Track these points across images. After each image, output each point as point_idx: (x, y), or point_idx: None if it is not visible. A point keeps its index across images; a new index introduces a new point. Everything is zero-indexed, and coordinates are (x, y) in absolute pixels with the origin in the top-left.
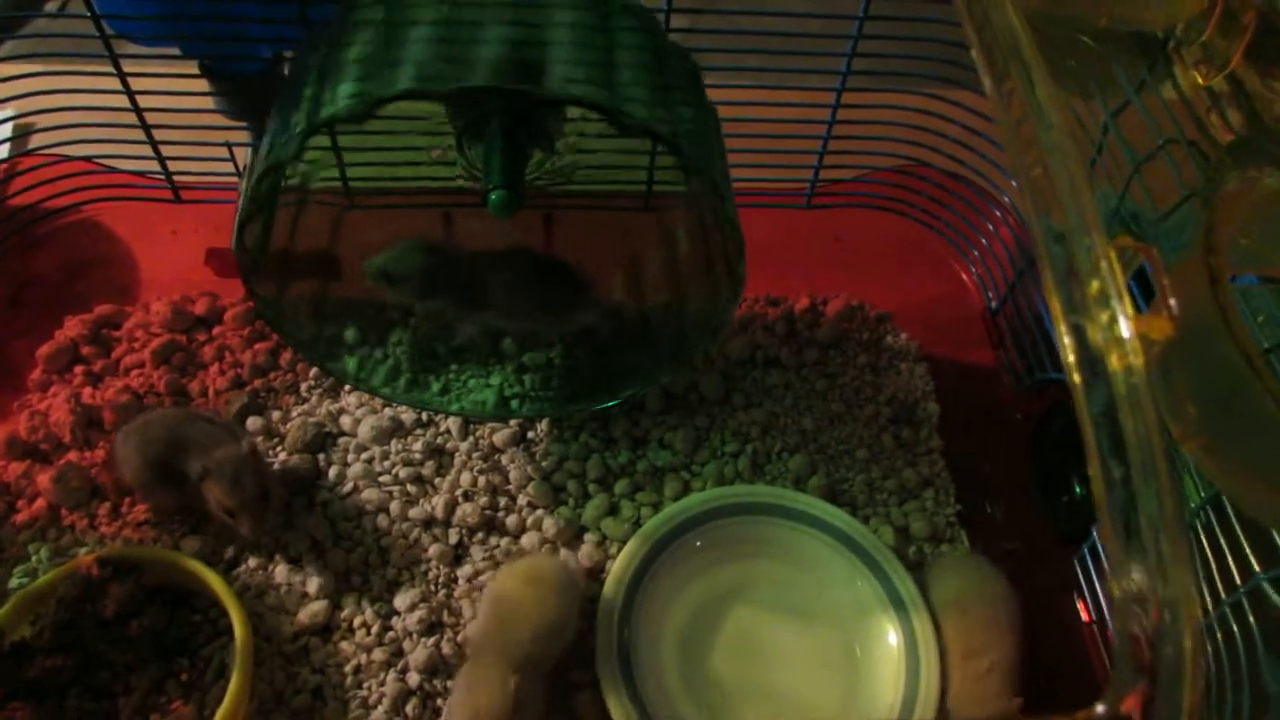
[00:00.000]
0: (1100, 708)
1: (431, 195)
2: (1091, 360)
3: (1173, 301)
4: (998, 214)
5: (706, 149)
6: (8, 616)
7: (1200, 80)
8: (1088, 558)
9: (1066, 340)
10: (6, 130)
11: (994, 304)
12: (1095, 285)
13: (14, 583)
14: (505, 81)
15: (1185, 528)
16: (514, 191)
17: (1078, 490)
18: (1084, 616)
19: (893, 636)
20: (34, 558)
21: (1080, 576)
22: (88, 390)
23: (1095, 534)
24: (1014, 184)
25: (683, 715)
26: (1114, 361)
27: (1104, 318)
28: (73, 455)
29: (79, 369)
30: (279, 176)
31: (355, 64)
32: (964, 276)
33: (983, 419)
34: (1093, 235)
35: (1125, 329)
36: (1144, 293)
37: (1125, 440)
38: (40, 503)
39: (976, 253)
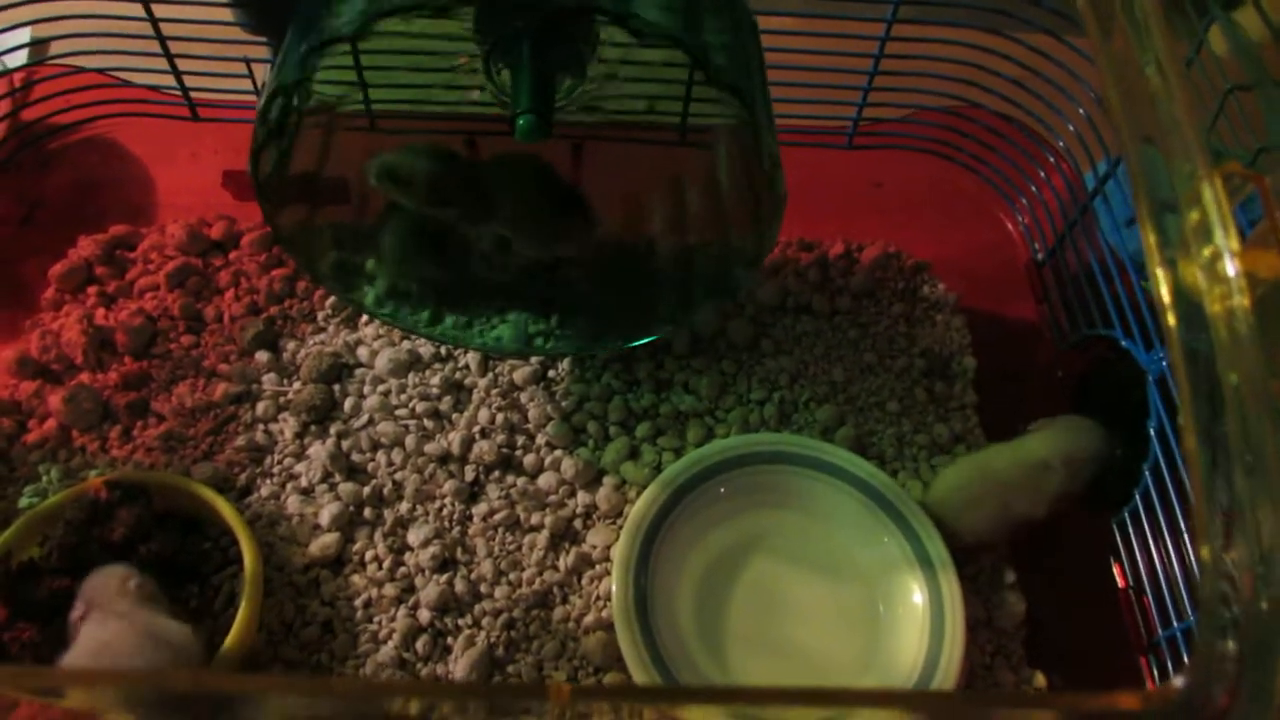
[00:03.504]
0: (1180, 681)
1: (459, 121)
2: (1188, 302)
3: None
4: (1050, 160)
5: (741, 66)
6: (16, 536)
7: None
8: (1127, 523)
9: (1160, 277)
10: (23, 41)
11: (1040, 256)
12: (1195, 216)
13: (24, 502)
14: None
15: None
16: (542, 117)
17: (1120, 451)
18: (1120, 582)
19: (918, 596)
20: (44, 478)
21: (1119, 541)
22: (101, 311)
23: (1136, 498)
24: (1071, 129)
25: (697, 663)
26: (1214, 304)
27: (1205, 253)
28: (85, 376)
29: (92, 289)
30: (288, 100)
31: None
32: (1009, 226)
33: (1021, 376)
34: (1195, 159)
35: (1230, 266)
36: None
37: (1224, 395)
38: (51, 423)
39: (1025, 201)
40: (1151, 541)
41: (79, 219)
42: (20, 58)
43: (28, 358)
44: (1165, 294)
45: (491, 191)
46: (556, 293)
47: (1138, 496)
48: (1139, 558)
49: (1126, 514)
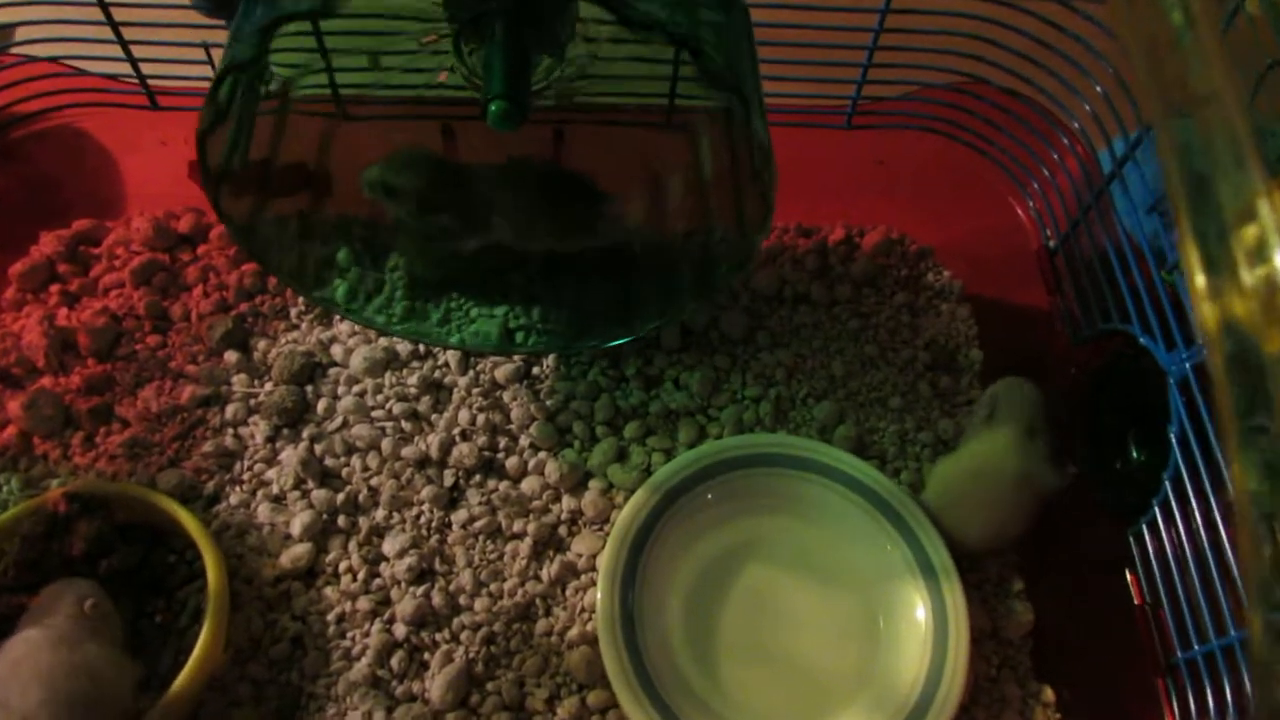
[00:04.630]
0: None
1: (430, 106)
2: (1239, 338)
3: None
4: (1064, 141)
5: (732, 51)
6: None
7: None
8: (1144, 533)
9: (1204, 310)
10: None
11: (1052, 243)
12: (1251, 233)
13: None
14: None
15: None
16: (516, 103)
17: (1136, 456)
18: (1136, 597)
19: (920, 610)
20: (3, 489)
21: (1135, 553)
22: (63, 311)
23: (1155, 508)
24: (1086, 107)
25: (686, 678)
26: (1274, 341)
27: (1258, 279)
28: (46, 380)
29: (55, 288)
30: (239, 80)
31: None
32: (1019, 211)
33: (1032, 370)
34: (1249, 166)
35: None
36: None
37: None
38: (10, 430)
39: (1036, 184)
40: (1171, 555)
41: (42, 214)
42: None
43: None
44: (1209, 327)
45: (486, 195)
46: (540, 285)
47: (1156, 506)
48: (1157, 572)
49: (1144, 524)
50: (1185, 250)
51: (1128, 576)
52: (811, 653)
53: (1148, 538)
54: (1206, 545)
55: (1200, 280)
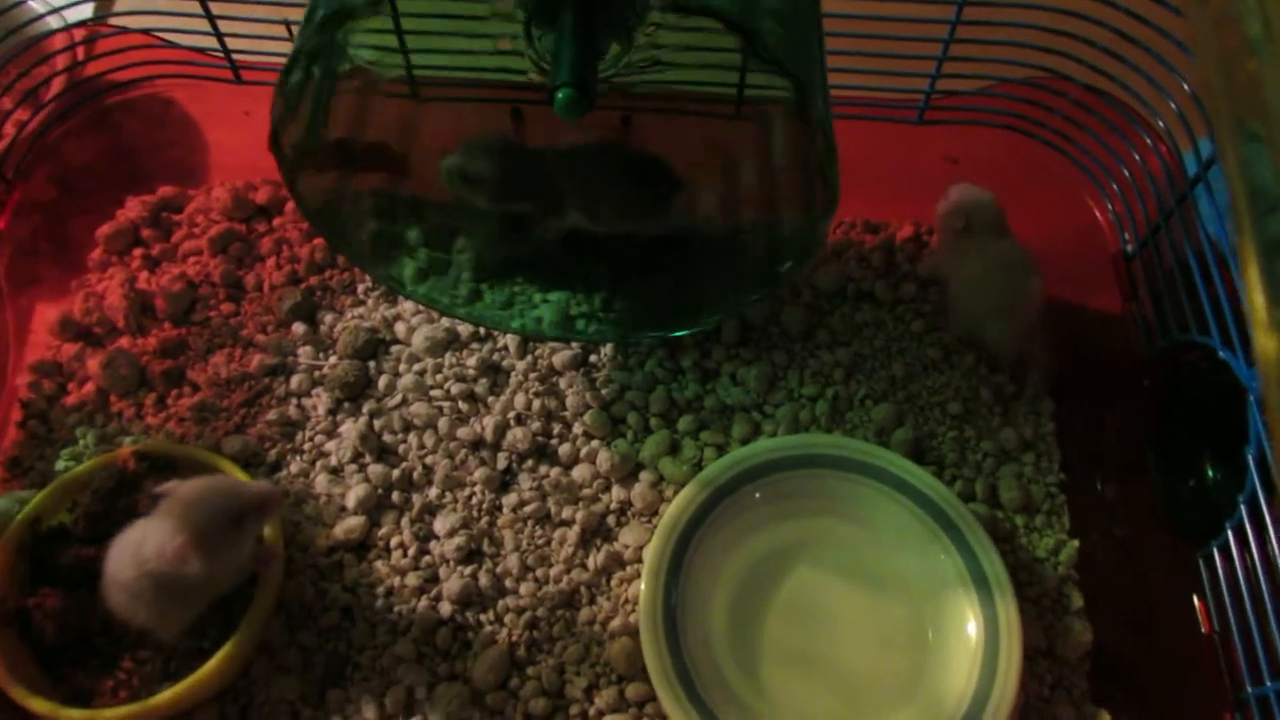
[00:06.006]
0: None
1: (501, 90)
2: None
3: None
4: (1146, 140)
5: (796, 40)
6: (47, 501)
7: None
8: (1215, 557)
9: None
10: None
11: (1130, 247)
12: None
13: (60, 465)
14: None
15: None
16: (583, 90)
17: (1210, 475)
18: (1203, 624)
19: (972, 625)
20: (80, 442)
21: (1205, 577)
22: (144, 274)
23: (1228, 531)
24: (1172, 105)
25: (727, 679)
26: None
27: None
28: (124, 341)
29: (138, 252)
30: (306, 69)
31: None
32: (1097, 212)
33: (1103, 380)
34: None
35: None
36: None
37: None
38: (89, 386)
39: (1115, 186)
40: (1244, 581)
41: (129, 180)
42: (85, 12)
43: (70, 319)
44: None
45: (561, 179)
46: (604, 273)
47: (1229, 529)
48: (1228, 599)
49: (1215, 548)
50: (1247, 271)
51: (1195, 602)
52: (856, 660)
53: (1219, 562)
54: None
55: (1261, 307)
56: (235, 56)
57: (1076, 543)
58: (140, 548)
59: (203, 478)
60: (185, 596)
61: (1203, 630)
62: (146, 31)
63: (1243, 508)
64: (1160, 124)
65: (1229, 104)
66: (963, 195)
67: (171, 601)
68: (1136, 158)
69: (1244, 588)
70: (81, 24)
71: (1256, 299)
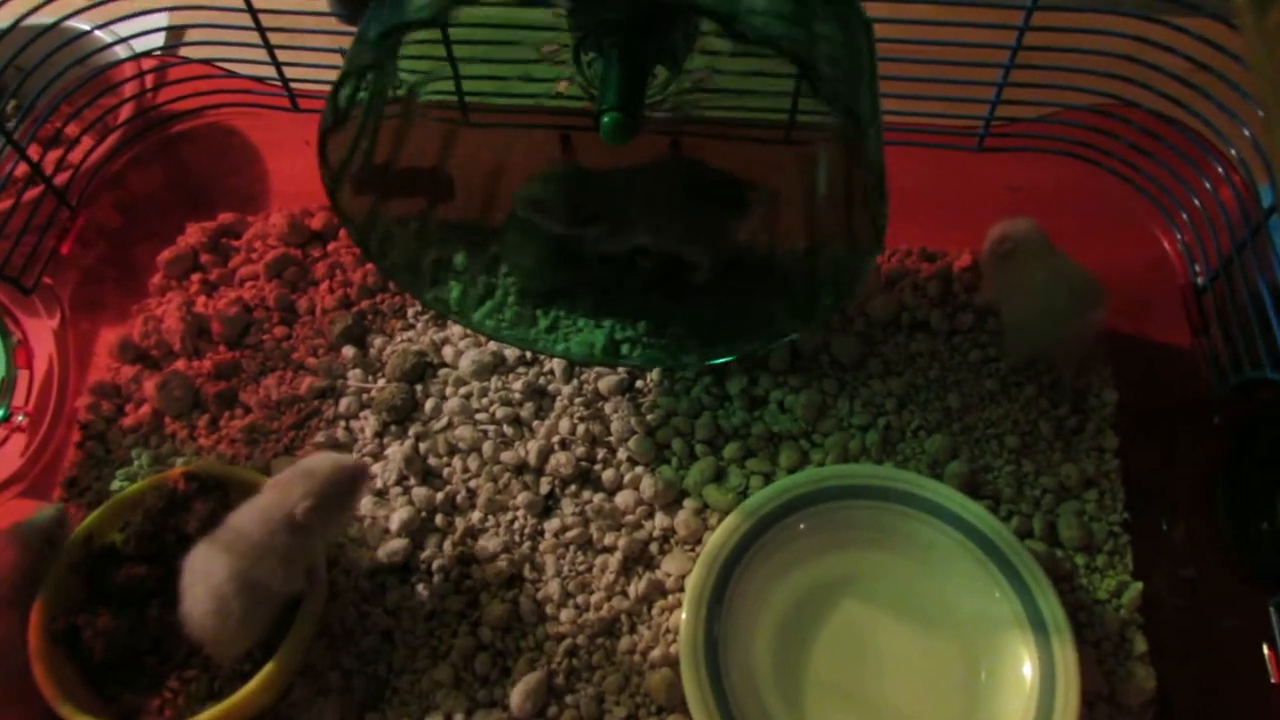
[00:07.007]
0: None
1: (548, 115)
2: None
3: None
4: (1219, 170)
5: (848, 69)
6: (100, 520)
7: None
8: None
9: None
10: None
11: (1201, 280)
12: None
13: (115, 484)
14: None
15: None
16: (629, 115)
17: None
18: (1274, 676)
19: (1027, 667)
20: (135, 462)
21: (1276, 624)
22: (201, 299)
23: None
24: (1246, 133)
25: (770, 711)
26: None
27: None
28: (180, 364)
29: (196, 276)
30: (357, 85)
31: None
32: (1165, 243)
33: (1170, 416)
34: None
35: None
36: None
37: None
38: (146, 408)
39: (1185, 216)
40: None
41: (190, 206)
42: (151, 42)
43: (129, 342)
44: None
45: (626, 200)
46: (651, 298)
47: None
48: None
49: None
50: None
51: (1266, 650)
52: (905, 700)
53: None
54: None
55: None
56: (293, 85)
57: (1140, 585)
58: (260, 519)
59: (309, 456)
60: (270, 602)
61: (1273, 680)
62: (208, 61)
63: None
64: (1233, 152)
65: None
66: (1002, 224)
67: (257, 605)
68: (1208, 187)
69: None
70: (149, 53)
71: None
